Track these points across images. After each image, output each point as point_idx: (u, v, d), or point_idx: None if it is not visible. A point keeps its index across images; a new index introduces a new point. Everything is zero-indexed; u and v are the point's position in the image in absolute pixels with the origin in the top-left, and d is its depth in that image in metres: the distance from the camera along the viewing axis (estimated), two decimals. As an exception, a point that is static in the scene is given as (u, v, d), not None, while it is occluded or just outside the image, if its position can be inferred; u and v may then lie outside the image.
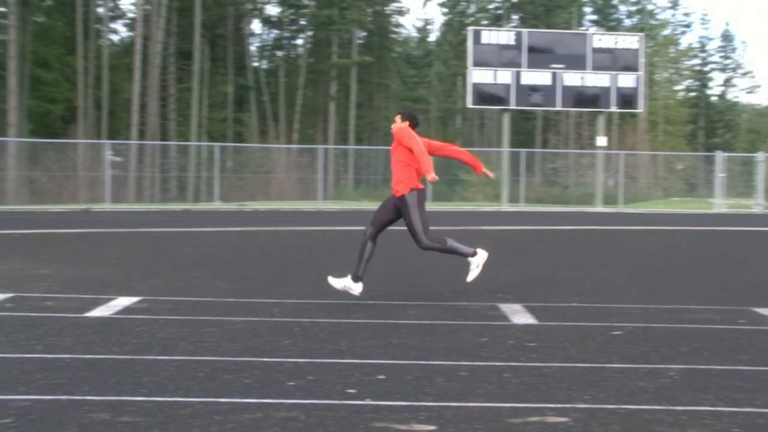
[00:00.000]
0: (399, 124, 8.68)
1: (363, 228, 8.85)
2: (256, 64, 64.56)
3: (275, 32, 67.77)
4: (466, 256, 8.69)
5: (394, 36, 73.04)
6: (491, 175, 9.20)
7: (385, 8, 68.48)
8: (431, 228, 8.68)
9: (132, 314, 7.69)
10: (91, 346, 6.22)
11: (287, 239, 17.25)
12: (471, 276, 8.74)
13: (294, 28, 67.74)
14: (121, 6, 62.84)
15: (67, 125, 51.01)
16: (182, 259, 12.72)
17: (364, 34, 66.73)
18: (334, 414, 4.57)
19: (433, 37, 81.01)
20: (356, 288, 8.48)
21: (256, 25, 68.23)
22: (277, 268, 11.69)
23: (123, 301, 8.37)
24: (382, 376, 5.41)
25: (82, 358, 5.84)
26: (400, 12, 71.03)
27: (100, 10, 55.35)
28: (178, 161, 43.41)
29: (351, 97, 61.89)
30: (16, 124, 43.20)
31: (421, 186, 8.63)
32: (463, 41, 49.79)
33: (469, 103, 36.08)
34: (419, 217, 8.56)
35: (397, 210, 8.72)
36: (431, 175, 8.33)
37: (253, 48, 65.04)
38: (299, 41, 67.56)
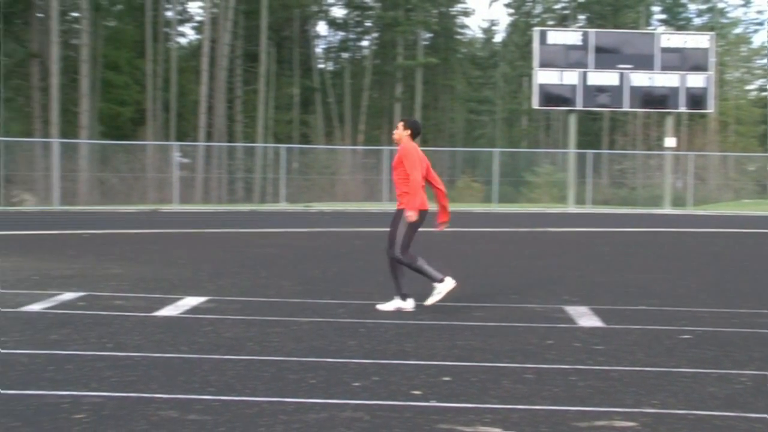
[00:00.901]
0: (401, 132, 8.60)
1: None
2: (321, 65, 64.92)
3: (341, 34, 68.10)
4: (433, 280, 8.38)
5: (459, 37, 72.84)
6: (443, 227, 9.01)
7: (451, 9, 68.32)
8: (406, 249, 8.47)
9: (199, 314, 7.78)
10: (160, 345, 6.31)
11: (352, 240, 17.30)
12: (431, 300, 8.39)
13: (359, 29, 67.96)
14: (189, 9, 63.62)
15: (136, 127, 51.84)
16: (248, 260, 12.83)
17: (430, 35, 66.68)
18: (399, 415, 4.57)
19: (498, 38, 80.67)
20: (408, 305, 8.35)
21: (321, 27, 68.76)
22: (342, 270, 11.74)
23: (191, 301, 8.47)
24: (447, 378, 5.40)
25: (151, 356, 5.92)
26: (466, 13, 71.04)
27: (169, 13, 56.14)
28: (244, 162, 43.82)
29: (416, 99, 61.88)
30: (88, 126, 44.01)
31: (426, 206, 8.48)
32: (529, 42, 49.42)
33: (535, 104, 35.83)
34: (408, 234, 8.48)
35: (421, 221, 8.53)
36: (411, 215, 8.33)
37: (318, 50, 65.43)
38: (365, 43, 67.77)
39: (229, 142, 49.79)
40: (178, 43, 58.86)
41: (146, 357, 5.89)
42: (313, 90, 61.38)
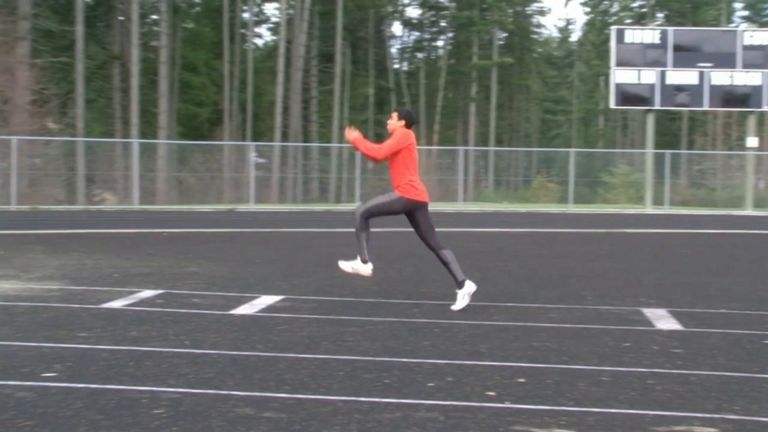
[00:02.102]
0: (395, 122, 8.56)
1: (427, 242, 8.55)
2: (396, 66, 65.05)
3: (416, 34, 68.17)
4: (361, 256, 8.37)
5: (535, 36, 72.38)
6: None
7: (526, 9, 67.93)
8: (372, 220, 8.50)
9: (275, 312, 7.85)
10: (236, 343, 6.38)
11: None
12: (343, 264, 8.48)
13: (434, 29, 67.95)
14: (265, 11, 64.21)
15: (213, 127, 52.57)
16: (324, 259, 12.91)
17: (505, 35, 66.36)
18: (474, 416, 4.55)
19: (574, 37, 79.90)
20: (366, 269, 8.33)
21: (396, 28, 68.86)
22: (417, 270, 11.74)
23: (266, 300, 8.55)
24: (522, 379, 5.36)
25: (228, 354, 5.99)
26: (542, 12, 70.54)
27: (246, 15, 56.79)
28: (319, 162, 44.15)
29: (491, 99, 61.62)
30: (166, 126, 44.78)
31: (421, 198, 8.38)
32: (606, 41, 48.85)
33: (612, 104, 35.38)
34: (382, 207, 8.42)
35: (416, 210, 8.42)
36: (351, 134, 8.45)
37: (393, 50, 65.59)
38: (440, 43, 67.75)
39: (305, 142, 50.19)
40: (254, 44, 59.55)
41: (223, 355, 5.97)
42: (388, 90, 61.53)
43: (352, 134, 8.52)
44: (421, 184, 8.42)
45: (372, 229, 8.44)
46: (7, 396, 4.80)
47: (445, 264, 8.34)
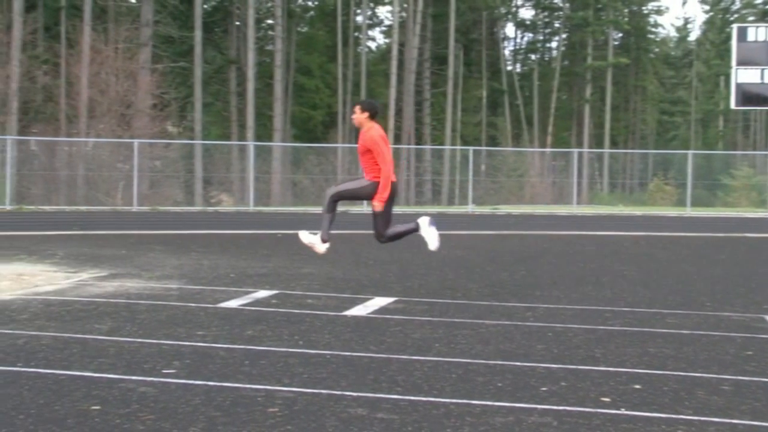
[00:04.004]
0: (359, 116, 8.79)
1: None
2: (509, 67, 64.64)
3: (529, 35, 67.60)
4: (321, 235, 8.92)
5: (651, 36, 70.91)
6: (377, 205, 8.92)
7: (643, 8, 66.59)
8: (338, 201, 8.90)
9: (388, 314, 7.88)
10: (349, 344, 6.43)
11: (540, 243, 17.12)
12: (304, 235, 9.04)
13: (548, 31, 67.31)
14: (378, 14, 64.61)
15: (327, 130, 53.18)
16: (436, 261, 12.90)
17: (621, 35, 65.21)
18: (588, 422, 4.48)
19: (693, 36, 77.94)
20: (322, 248, 8.98)
21: (510, 29, 68.37)
22: (530, 273, 11.63)
23: (379, 301, 8.60)
24: (637, 386, 5.25)
25: (341, 354, 6.04)
26: (659, 11, 69.09)
27: (359, 18, 57.27)
28: (432, 165, 44.18)
29: (606, 100, 60.66)
30: (281, 129, 45.49)
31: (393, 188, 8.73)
32: (727, 39, 47.58)
33: (733, 104, 34.38)
34: (352, 192, 8.92)
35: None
36: (377, 205, 8.66)
37: (506, 52, 65.18)
38: (553, 44, 67.02)
39: (418, 144, 50.30)
40: (367, 47, 59.95)
41: (336, 355, 6.02)
42: (501, 92, 61.19)
43: (377, 206, 8.75)
44: (394, 175, 8.77)
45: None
46: (131, 390, 4.94)
47: (399, 235, 8.92)
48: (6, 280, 9.82)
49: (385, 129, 49.81)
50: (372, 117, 8.84)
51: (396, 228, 8.92)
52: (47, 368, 5.47)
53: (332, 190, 8.90)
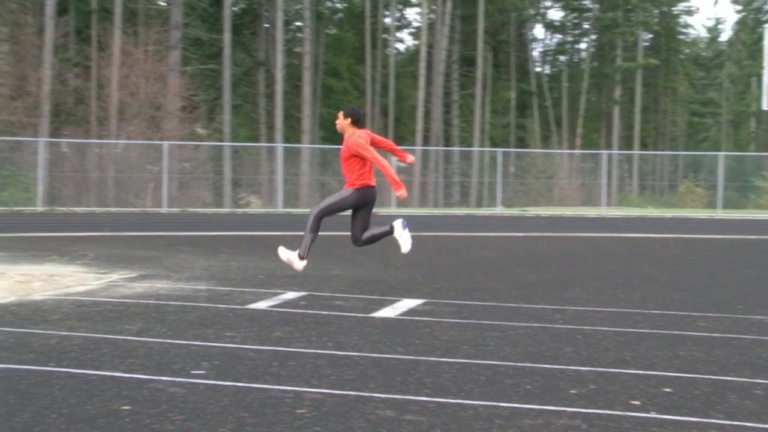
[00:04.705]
0: (342, 121, 8.92)
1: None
2: (538, 69, 64.44)
3: (558, 37, 67.33)
4: (300, 251, 9.03)
5: (681, 37, 70.40)
6: (411, 159, 9.48)
7: (673, 9, 66.13)
8: (322, 219, 9.05)
9: (416, 316, 7.88)
10: (377, 346, 6.43)
11: (569, 245, 17.05)
12: (282, 252, 9.16)
13: (577, 32, 66.99)
14: (406, 16, 64.66)
15: (355, 132, 53.18)
16: (464, 263, 12.89)
17: (650, 36, 64.81)
18: (617, 425, 4.45)
19: (724, 37, 77.30)
20: (300, 264, 9.10)
21: (538, 30, 68.12)
22: (558, 275, 11.59)
23: (407, 303, 8.59)
24: (668, 389, 5.22)
25: (369, 356, 6.04)
26: (689, 12, 68.47)
27: (387, 20, 57.31)
28: (461, 166, 44.11)
29: (636, 101, 60.31)
30: (309, 131, 45.59)
31: (372, 194, 8.98)
32: (759, 40, 47.12)
33: (765, 105, 33.97)
34: (336, 206, 9.00)
35: (365, 205, 9.06)
36: (402, 192, 8.73)
37: (535, 53, 64.98)
38: (582, 45, 66.71)
39: (446, 146, 50.25)
40: (396, 49, 59.99)
41: (364, 357, 6.02)
42: (530, 93, 61.01)
43: (402, 194, 8.84)
44: (373, 180, 8.95)
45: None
46: (160, 391, 4.97)
47: (374, 238, 9.10)
48: (38, 280, 9.92)
49: (414, 131, 49.84)
50: (354, 123, 8.97)
51: (372, 231, 9.09)
52: (78, 368, 5.52)
53: (315, 209, 9.03)
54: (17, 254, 13.07)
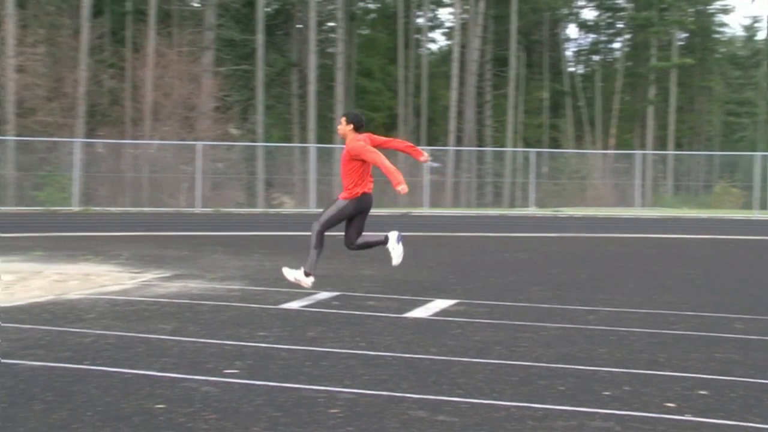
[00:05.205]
0: (344, 127, 8.99)
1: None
2: (572, 69, 64.07)
3: (591, 36, 66.90)
4: (306, 269, 8.97)
5: (717, 36, 69.70)
6: (426, 157, 9.61)
7: (708, 7, 65.51)
8: (325, 233, 9.07)
9: (448, 317, 7.87)
10: (410, 346, 6.43)
11: (603, 246, 16.95)
12: (288, 272, 9.11)
13: (611, 31, 66.52)
14: (439, 16, 64.43)
15: (388, 132, 53.19)
16: (497, 264, 12.86)
17: (685, 35, 64.25)
18: (652, 428, 4.42)
19: (761, 36, 76.42)
20: (308, 281, 8.98)
21: (572, 30, 67.73)
22: (592, 276, 11.53)
23: (440, 304, 8.59)
24: (703, 392, 5.17)
25: (402, 356, 6.05)
26: (725, 10, 67.61)
27: (420, 20, 57.24)
28: (494, 167, 43.97)
29: (670, 101, 59.79)
30: (342, 131, 45.60)
31: (366, 191, 9.00)
32: (796, 39, 46.55)
33: (802, 105, 33.63)
34: (335, 217, 9.00)
35: (362, 212, 9.07)
36: (403, 188, 8.59)
37: (568, 53, 64.60)
38: (616, 45, 66.23)
39: (479, 146, 50.11)
40: (428, 49, 59.88)
41: (397, 357, 6.02)
42: (563, 94, 60.69)
43: (403, 189, 8.74)
44: (370, 186, 9.03)
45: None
46: (194, 390, 5.01)
47: (368, 245, 9.12)
48: (74, 279, 10.01)
49: (446, 131, 49.75)
50: (356, 129, 9.06)
51: (367, 238, 9.14)
52: (113, 367, 5.56)
53: (316, 225, 9.06)
54: (54, 253, 13.21)
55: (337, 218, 9.04)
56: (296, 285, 9.13)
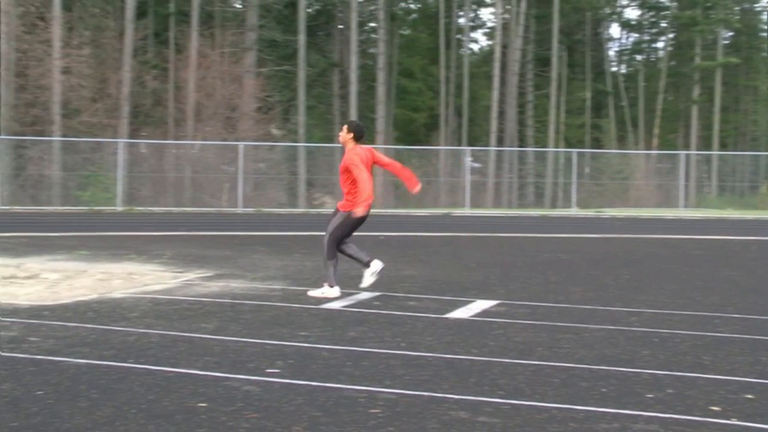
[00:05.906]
0: (345, 135, 9.06)
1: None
2: (614, 68, 63.61)
3: (634, 36, 66.38)
4: (328, 283, 8.95)
5: (763, 34, 68.81)
6: (418, 189, 9.57)
7: (755, 5, 64.69)
8: (337, 243, 9.05)
9: (490, 317, 7.85)
10: (451, 346, 6.42)
11: (646, 247, 16.80)
12: (314, 292, 9.03)
13: (654, 30, 65.96)
14: (481, 16, 64.28)
15: (429, 132, 53.16)
16: (539, 265, 12.79)
17: (731, 33, 63.51)
18: (696, 431, 4.37)
19: (808, 34, 75.32)
20: (334, 292, 8.95)
21: (614, 29, 67.22)
22: (634, 277, 11.43)
23: (481, 304, 8.56)
24: (749, 396, 5.10)
25: (443, 357, 6.04)
26: (772, 8, 66.78)
27: (462, 20, 57.13)
28: (535, 167, 43.79)
29: (715, 101, 59.14)
30: (384, 131, 45.66)
31: (368, 209, 8.92)
32: (844, 37, 45.79)
33: None
34: (342, 230, 9.03)
35: (362, 220, 9.09)
36: (359, 210, 8.72)
37: (611, 52, 64.13)
38: (659, 44, 65.66)
39: (520, 146, 49.92)
40: (470, 49, 59.75)
41: (438, 357, 6.02)
42: (606, 93, 60.24)
43: (358, 211, 8.88)
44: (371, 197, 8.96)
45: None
46: (235, 389, 5.04)
47: (349, 255, 9.11)
48: (118, 278, 10.12)
49: (488, 131, 49.63)
50: (357, 139, 9.14)
51: (352, 249, 9.13)
52: (156, 365, 5.61)
53: (327, 238, 9.07)
54: (98, 253, 13.35)
55: (343, 227, 9.09)
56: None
